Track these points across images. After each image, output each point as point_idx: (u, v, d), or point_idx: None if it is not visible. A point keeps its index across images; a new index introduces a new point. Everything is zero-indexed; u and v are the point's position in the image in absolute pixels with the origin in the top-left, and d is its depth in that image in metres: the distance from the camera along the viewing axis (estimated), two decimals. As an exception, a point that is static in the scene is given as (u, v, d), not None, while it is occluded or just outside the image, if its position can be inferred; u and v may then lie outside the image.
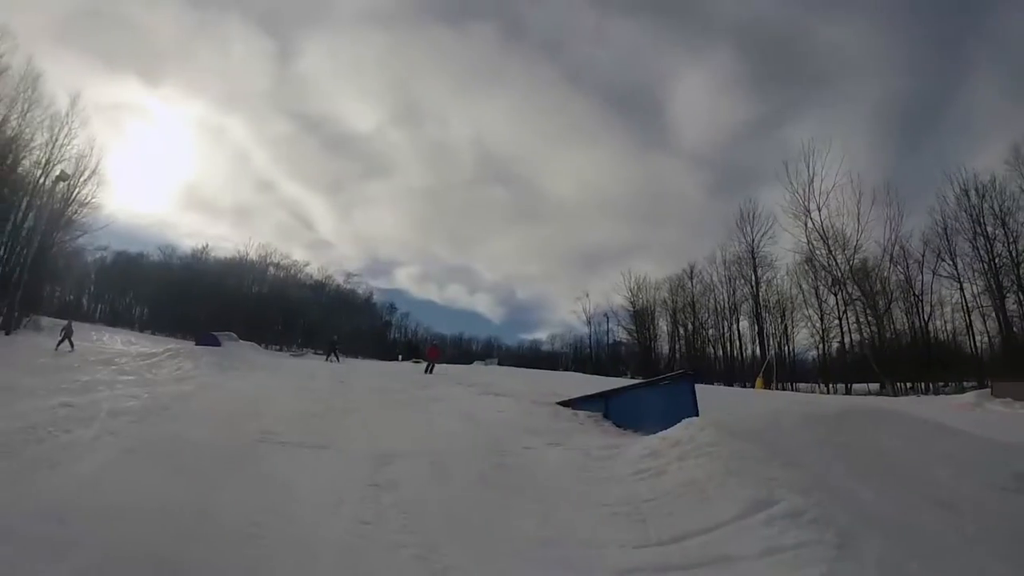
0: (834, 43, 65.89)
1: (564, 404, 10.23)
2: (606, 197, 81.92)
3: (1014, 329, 33.38)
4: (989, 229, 34.40)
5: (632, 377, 34.30)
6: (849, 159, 68.94)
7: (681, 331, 52.24)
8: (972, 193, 35.18)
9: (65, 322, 20.81)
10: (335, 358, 28.10)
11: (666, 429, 6.27)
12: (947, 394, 27.47)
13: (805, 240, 41.30)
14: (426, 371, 19.65)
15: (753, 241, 46.65)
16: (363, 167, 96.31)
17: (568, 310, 63.12)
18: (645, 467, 5.27)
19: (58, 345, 18.97)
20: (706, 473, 4.66)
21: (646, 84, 79.92)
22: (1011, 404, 17.28)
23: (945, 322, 38.38)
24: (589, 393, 10.44)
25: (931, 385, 33.89)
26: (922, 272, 38.22)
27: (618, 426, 8.65)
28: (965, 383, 30.49)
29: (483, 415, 9.04)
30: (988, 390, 19.78)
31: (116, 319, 53.17)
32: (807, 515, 3.81)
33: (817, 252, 41.09)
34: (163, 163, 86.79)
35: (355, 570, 3.42)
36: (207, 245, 61.08)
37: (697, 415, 7.29)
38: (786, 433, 5.71)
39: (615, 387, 10.56)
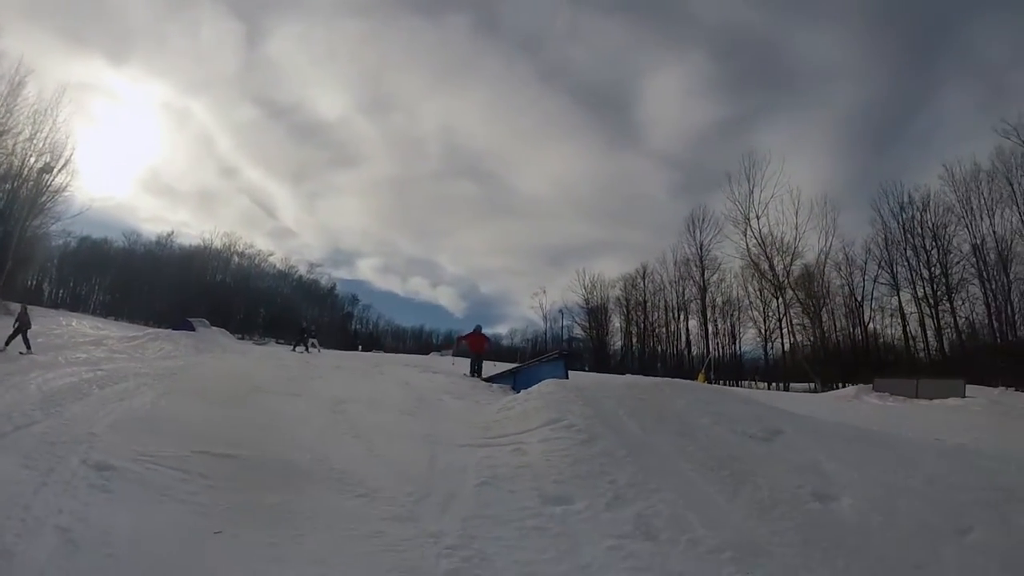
0: (809, 49, 69.24)
1: (487, 380, 13.30)
2: (574, 195, 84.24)
3: (943, 336, 37.52)
4: (925, 241, 38.55)
5: (587, 370, 36.74)
6: (811, 166, 72.22)
7: (633, 328, 55.87)
8: (908, 206, 39.42)
9: (17, 308, 15.18)
10: (304, 348, 23.86)
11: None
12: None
13: (745, 247, 45.25)
14: (472, 372, 14.61)
15: (701, 244, 50.17)
16: (329, 156, 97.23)
17: (529, 306, 65.01)
18: (505, 406, 8.39)
19: (8, 341, 13.27)
20: (534, 407, 7.68)
21: (619, 83, 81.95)
22: (885, 397, 20.25)
23: (884, 327, 42.50)
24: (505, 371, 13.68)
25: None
26: (864, 279, 42.39)
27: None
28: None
29: (417, 383, 12.01)
30: (870, 386, 22.62)
31: (77, 304, 53.52)
32: (576, 427, 6.64)
33: (760, 259, 45.04)
34: (125, 145, 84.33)
35: (323, 441, 6.47)
36: (172, 232, 61.79)
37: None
38: (603, 391, 8.41)
39: (519, 365, 13.80)
